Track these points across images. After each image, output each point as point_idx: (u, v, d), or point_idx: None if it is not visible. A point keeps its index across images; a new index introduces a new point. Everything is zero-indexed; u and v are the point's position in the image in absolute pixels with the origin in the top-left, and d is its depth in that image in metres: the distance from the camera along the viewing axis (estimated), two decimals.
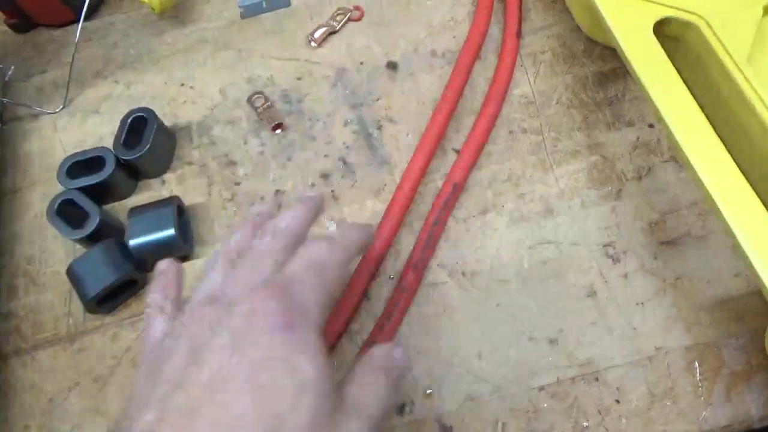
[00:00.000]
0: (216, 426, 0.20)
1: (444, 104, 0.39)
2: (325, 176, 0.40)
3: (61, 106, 0.45)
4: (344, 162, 0.41)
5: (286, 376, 0.21)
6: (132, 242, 0.36)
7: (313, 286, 0.24)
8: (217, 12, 0.48)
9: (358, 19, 0.45)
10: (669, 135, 0.32)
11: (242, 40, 0.46)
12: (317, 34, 0.44)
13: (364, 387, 0.24)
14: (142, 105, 0.43)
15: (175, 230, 0.36)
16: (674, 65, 0.34)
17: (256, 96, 0.43)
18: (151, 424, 0.20)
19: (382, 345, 0.27)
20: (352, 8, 0.45)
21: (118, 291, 0.37)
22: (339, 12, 0.45)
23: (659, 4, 0.36)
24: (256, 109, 0.43)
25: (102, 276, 0.36)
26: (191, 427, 0.20)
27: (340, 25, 0.45)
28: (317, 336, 0.23)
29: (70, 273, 0.37)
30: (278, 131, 0.42)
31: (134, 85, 0.45)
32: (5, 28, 0.48)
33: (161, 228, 0.36)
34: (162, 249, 0.36)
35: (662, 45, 0.35)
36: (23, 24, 0.48)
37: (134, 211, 0.38)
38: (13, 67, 0.47)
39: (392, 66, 0.43)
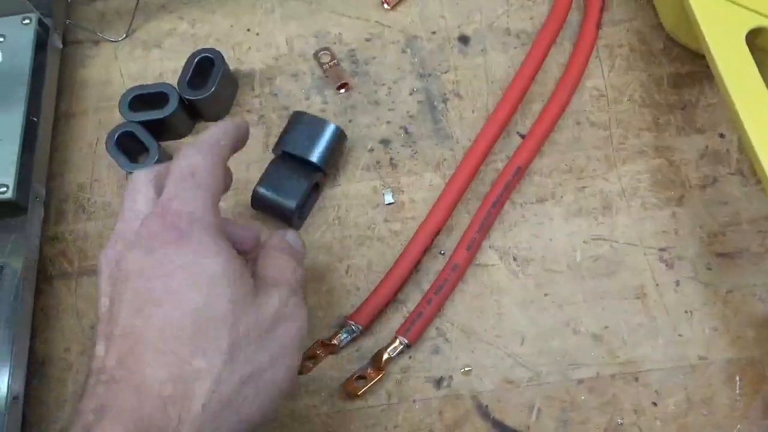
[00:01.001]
0: (153, 334, 0.23)
1: (516, 85, 0.39)
2: (385, 143, 0.40)
3: (124, 35, 0.45)
4: (406, 131, 0.40)
5: (194, 276, 0.23)
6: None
7: (191, 196, 0.25)
8: None
9: None
10: (747, 147, 0.32)
11: None
12: None
13: (273, 265, 0.28)
14: (207, 46, 0.42)
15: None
16: (765, 78, 0.33)
17: (323, 52, 0.43)
18: (102, 353, 0.23)
19: (277, 232, 0.30)
20: None
21: (307, 199, 0.37)
22: None
23: (755, 12, 0.35)
24: (322, 65, 0.42)
25: (294, 186, 0.36)
26: (131, 347, 0.23)
27: None
28: (214, 234, 0.25)
29: (259, 197, 0.36)
30: (342, 91, 0.41)
31: (199, 24, 0.45)
32: None
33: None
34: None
35: (754, 56, 0.34)
36: None
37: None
38: None
39: (464, 40, 0.43)
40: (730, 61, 0.34)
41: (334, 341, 0.34)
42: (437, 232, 0.36)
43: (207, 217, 0.25)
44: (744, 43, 0.34)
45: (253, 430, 0.24)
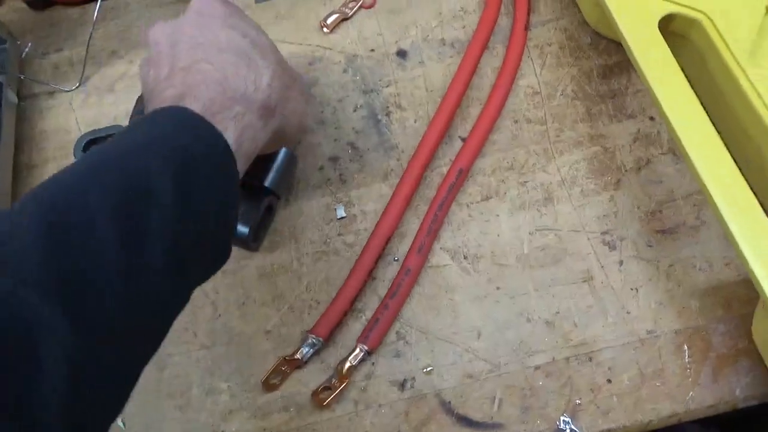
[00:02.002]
0: (217, 53, 0.30)
1: (452, 92, 0.41)
2: (333, 159, 0.42)
3: (77, 84, 0.46)
4: (353, 146, 0.42)
5: (243, 22, 0.32)
6: None
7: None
8: None
9: (370, 6, 0.46)
10: (669, 128, 0.34)
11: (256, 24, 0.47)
12: (330, 20, 0.45)
13: None
14: None
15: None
16: (678, 61, 0.35)
17: None
18: (168, 71, 0.29)
19: None
20: None
21: (261, 222, 0.38)
22: None
23: (665, 0, 0.37)
24: None
25: (248, 212, 0.36)
26: (202, 55, 0.29)
27: (352, 12, 0.46)
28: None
29: None
30: None
31: None
32: (22, 5, 0.49)
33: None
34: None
35: (667, 41, 0.36)
36: (40, 1, 0.49)
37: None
38: (30, 44, 0.48)
39: (402, 54, 0.44)
40: (646, 48, 0.36)
41: (297, 356, 0.35)
42: (388, 240, 0.38)
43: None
44: (657, 30, 0.36)
45: (285, 136, 0.33)
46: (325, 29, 0.45)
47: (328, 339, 0.36)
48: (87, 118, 0.45)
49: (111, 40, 0.48)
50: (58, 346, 0.19)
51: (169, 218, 0.24)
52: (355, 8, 0.46)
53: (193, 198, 0.25)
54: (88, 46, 0.46)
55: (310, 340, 0.36)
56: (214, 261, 0.28)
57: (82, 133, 0.41)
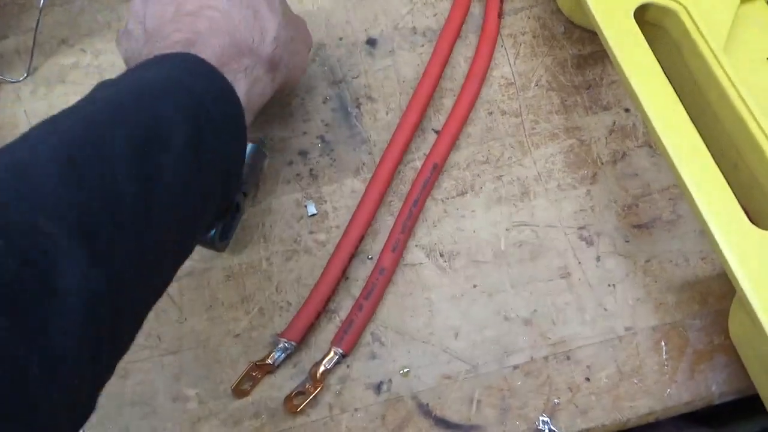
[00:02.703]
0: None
1: (424, 84, 0.39)
2: (303, 154, 0.40)
3: (25, 75, 0.43)
4: (323, 140, 0.40)
5: None
6: None
7: None
8: None
9: None
10: (645, 120, 0.33)
11: None
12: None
13: None
14: (111, 76, 0.41)
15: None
16: (653, 51, 0.34)
17: None
18: (175, 10, 0.29)
19: None
20: None
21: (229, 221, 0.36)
22: None
23: None
24: None
25: None
26: (204, 12, 0.28)
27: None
28: None
29: None
30: None
31: (103, 54, 0.44)
32: None
33: None
34: None
35: (642, 31, 0.35)
36: None
37: None
38: None
39: (372, 43, 0.43)
40: (621, 38, 0.35)
41: (269, 361, 0.34)
42: (361, 238, 0.36)
43: None
44: (632, 20, 0.35)
45: (286, 86, 0.34)
46: None
47: (301, 342, 0.35)
48: (37, 111, 0.42)
49: (60, 28, 0.45)
50: (76, 277, 0.20)
51: (180, 166, 0.24)
52: None
53: (204, 148, 0.25)
54: (35, 33, 0.43)
55: (281, 344, 0.34)
56: (217, 214, 0.28)
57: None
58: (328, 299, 0.35)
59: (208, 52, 0.27)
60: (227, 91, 0.27)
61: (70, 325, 0.20)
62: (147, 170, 0.23)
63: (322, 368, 0.34)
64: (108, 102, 0.24)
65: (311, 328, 0.35)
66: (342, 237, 0.36)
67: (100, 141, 0.22)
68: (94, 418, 0.34)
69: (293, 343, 0.34)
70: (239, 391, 0.34)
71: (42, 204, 0.20)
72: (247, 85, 0.28)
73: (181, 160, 0.24)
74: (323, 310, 0.35)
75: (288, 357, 0.35)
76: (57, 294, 0.19)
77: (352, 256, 0.36)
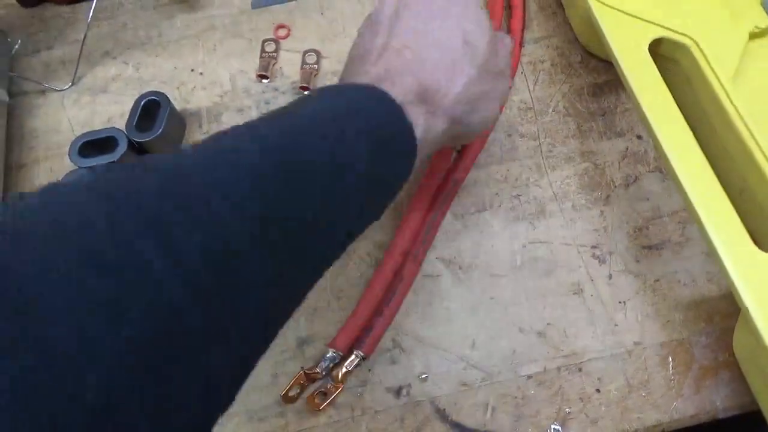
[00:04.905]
0: (429, 43, 0.31)
1: None
2: None
3: (70, 83, 0.46)
4: None
5: (468, 14, 0.32)
6: None
7: None
8: (228, 0, 0.48)
9: (286, 37, 0.46)
10: (657, 147, 0.35)
11: (251, 29, 0.47)
12: (263, 71, 0.45)
13: (501, 45, 0.35)
14: (152, 88, 0.43)
15: None
16: (666, 82, 0.37)
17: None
18: (381, 44, 0.31)
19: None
20: None
21: None
22: None
23: (655, 24, 0.38)
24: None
25: None
26: (410, 48, 0.30)
27: (273, 51, 0.46)
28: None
29: None
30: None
31: (143, 67, 0.46)
32: (12, 1, 0.48)
33: None
34: None
35: (657, 63, 0.37)
36: None
37: None
38: (20, 41, 0.47)
39: None
40: (636, 69, 0.37)
41: (317, 369, 0.36)
42: (404, 257, 0.38)
43: None
44: (647, 52, 0.38)
45: (467, 135, 0.34)
46: (264, 80, 0.45)
47: (348, 353, 0.36)
48: (79, 118, 0.45)
49: (103, 40, 0.47)
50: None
51: (360, 186, 0.26)
52: (275, 48, 0.46)
53: (380, 172, 0.27)
54: (82, 45, 0.45)
55: (330, 354, 0.36)
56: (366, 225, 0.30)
57: (78, 135, 0.41)
58: (373, 314, 0.37)
59: (396, 90, 0.28)
60: (408, 127, 0.28)
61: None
62: (337, 188, 0.25)
63: (343, 369, 0.36)
64: (311, 120, 0.26)
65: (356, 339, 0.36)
66: (385, 256, 0.38)
67: (300, 156, 0.24)
68: None
69: (340, 353, 0.36)
70: (288, 398, 0.36)
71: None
72: (424, 128, 0.29)
73: (362, 182, 0.26)
74: (367, 325, 0.37)
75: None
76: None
77: (394, 275, 0.38)
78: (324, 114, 0.26)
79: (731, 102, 0.37)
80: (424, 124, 0.29)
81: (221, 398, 0.21)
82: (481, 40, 0.32)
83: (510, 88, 0.41)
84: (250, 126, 0.24)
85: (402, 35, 0.31)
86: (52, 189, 0.19)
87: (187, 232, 0.19)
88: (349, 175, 0.25)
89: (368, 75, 0.29)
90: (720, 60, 0.37)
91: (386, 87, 0.28)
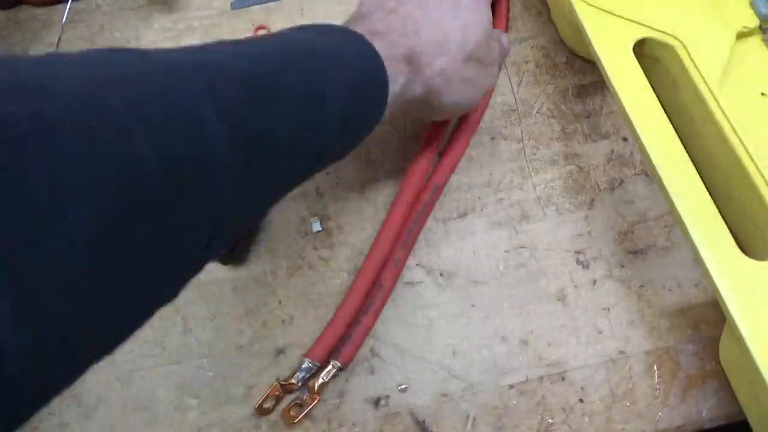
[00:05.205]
0: (427, 20, 0.32)
1: None
2: None
3: None
4: None
5: (473, 3, 0.34)
6: None
7: None
8: (207, 1, 0.48)
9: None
10: (642, 151, 0.34)
11: (232, 31, 0.46)
12: None
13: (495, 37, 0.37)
14: None
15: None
16: (651, 83, 0.36)
17: None
18: (390, 8, 0.33)
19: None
20: None
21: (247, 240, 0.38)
22: None
23: (640, 24, 0.38)
24: None
25: None
26: (407, 20, 0.32)
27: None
28: None
29: None
30: None
31: None
32: None
33: None
34: None
35: (641, 64, 0.36)
36: (6, 1, 0.47)
37: None
38: None
39: None
40: (620, 70, 0.36)
41: (292, 380, 0.35)
42: (382, 265, 0.37)
43: None
44: (631, 53, 0.37)
45: (444, 110, 0.35)
46: None
47: (324, 364, 0.35)
48: None
49: (79, 43, 0.46)
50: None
51: (332, 117, 0.27)
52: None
53: (352, 112, 0.29)
54: (57, 48, 0.44)
55: (306, 365, 0.35)
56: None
57: None
58: (351, 322, 0.36)
59: (383, 48, 0.30)
60: (383, 80, 0.30)
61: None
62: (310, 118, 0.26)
63: (320, 380, 0.35)
64: (291, 50, 0.27)
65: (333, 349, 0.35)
66: (364, 262, 0.37)
67: (278, 76, 0.25)
68: (96, 423, 0.35)
69: (317, 363, 0.35)
70: (262, 410, 0.35)
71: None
72: (399, 86, 0.31)
73: (335, 115, 0.27)
74: (346, 334, 0.36)
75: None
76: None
77: (374, 282, 0.37)
78: (312, 46, 0.28)
79: (718, 104, 0.36)
80: (403, 81, 0.31)
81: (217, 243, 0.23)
82: (478, 31, 0.34)
83: (491, 88, 0.40)
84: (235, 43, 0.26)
85: (410, 5, 0.33)
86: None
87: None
88: (323, 102, 0.26)
89: (364, 27, 0.31)
90: (707, 61, 0.37)
91: (377, 40, 0.30)
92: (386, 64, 0.30)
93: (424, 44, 0.32)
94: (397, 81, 0.31)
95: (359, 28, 0.31)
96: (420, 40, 0.32)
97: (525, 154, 0.41)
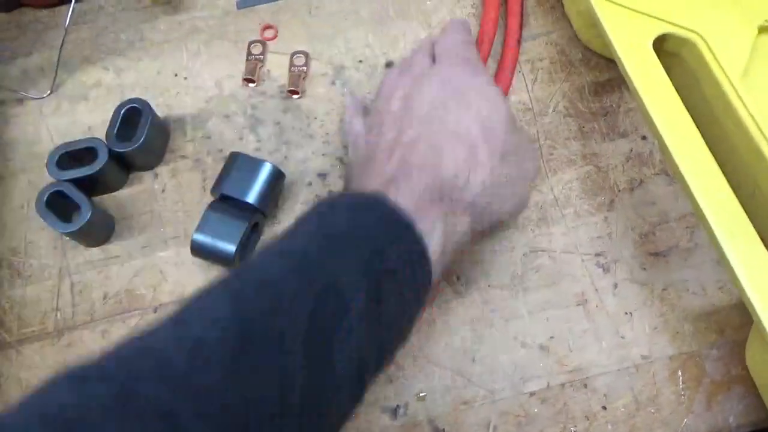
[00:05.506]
0: (445, 133, 0.29)
1: None
2: (322, 176, 0.40)
3: (49, 92, 0.44)
4: (342, 162, 0.40)
5: (483, 94, 0.30)
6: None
7: (468, 51, 0.33)
8: (212, 1, 0.46)
9: (273, 39, 0.44)
10: (663, 149, 0.33)
11: (237, 31, 0.45)
12: (250, 75, 0.43)
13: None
14: (134, 94, 0.42)
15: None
16: (672, 80, 0.35)
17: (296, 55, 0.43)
18: (392, 138, 0.29)
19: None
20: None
21: (247, 241, 0.37)
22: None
23: (659, 19, 0.36)
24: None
25: (233, 230, 0.35)
26: (422, 144, 0.28)
27: (260, 54, 0.43)
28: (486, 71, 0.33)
29: (197, 246, 0.36)
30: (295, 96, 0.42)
31: (125, 72, 0.44)
32: None
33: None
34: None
35: (661, 60, 0.35)
36: (8, 3, 0.46)
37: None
38: None
39: (391, 65, 0.43)
40: (640, 67, 0.35)
41: None
42: None
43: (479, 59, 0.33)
44: (651, 49, 0.36)
45: (504, 219, 0.33)
46: (251, 85, 0.43)
47: None
48: (59, 127, 0.43)
49: (83, 46, 0.45)
50: None
51: (356, 336, 0.23)
52: (262, 51, 0.44)
53: (384, 313, 0.24)
54: (60, 50, 0.43)
55: None
56: (386, 365, 0.27)
57: (57, 145, 0.39)
58: None
59: (407, 194, 0.26)
60: (418, 247, 0.25)
61: None
62: (320, 353, 0.22)
63: None
64: (291, 262, 0.24)
65: None
66: None
67: (273, 323, 0.21)
68: None
69: None
70: None
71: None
72: (443, 234, 0.27)
73: (359, 330, 0.23)
74: None
75: None
76: None
77: None
78: (307, 252, 0.24)
79: (740, 100, 0.35)
80: (443, 227, 0.26)
81: None
82: (501, 121, 0.30)
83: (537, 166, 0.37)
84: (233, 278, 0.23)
85: (414, 126, 0.29)
86: None
87: None
88: (343, 326, 0.22)
89: (379, 177, 0.27)
90: (728, 56, 0.36)
91: (396, 188, 0.26)
92: (416, 216, 0.25)
93: (450, 168, 0.27)
94: (436, 228, 0.26)
95: (374, 181, 0.26)
96: (443, 165, 0.27)
97: (542, 153, 0.40)
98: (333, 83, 0.43)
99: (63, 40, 0.43)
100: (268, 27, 0.45)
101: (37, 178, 0.41)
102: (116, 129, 0.39)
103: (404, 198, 0.26)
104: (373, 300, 0.23)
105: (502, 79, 0.41)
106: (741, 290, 0.30)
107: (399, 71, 0.33)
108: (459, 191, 0.28)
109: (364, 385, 0.25)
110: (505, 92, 0.41)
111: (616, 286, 0.36)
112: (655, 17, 0.37)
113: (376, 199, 0.26)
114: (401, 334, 0.27)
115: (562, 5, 0.44)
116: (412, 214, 0.25)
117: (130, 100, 0.39)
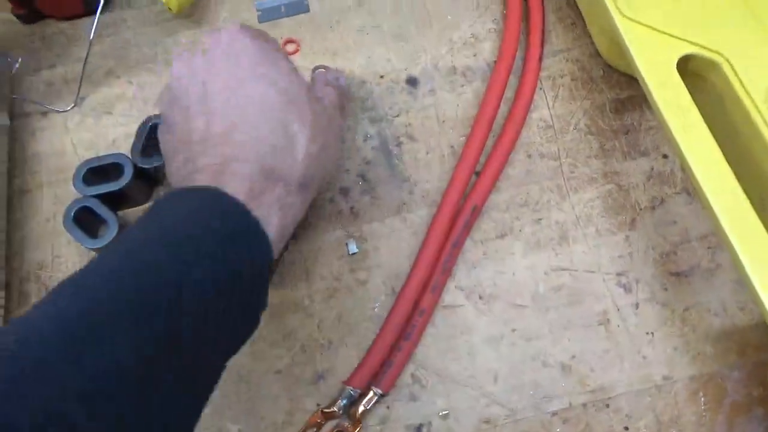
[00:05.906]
0: (253, 108, 0.28)
1: (478, 131, 0.40)
2: (344, 191, 0.40)
3: (73, 104, 0.44)
4: (364, 178, 0.41)
5: (276, 66, 0.30)
6: None
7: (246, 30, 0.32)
8: (233, 14, 0.47)
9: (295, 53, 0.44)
10: (687, 171, 0.33)
11: None
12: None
13: (323, 90, 0.35)
14: (157, 109, 0.42)
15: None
16: (695, 100, 0.35)
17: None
18: (202, 129, 0.28)
19: (328, 71, 0.38)
20: None
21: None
22: None
23: (684, 40, 0.37)
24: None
25: None
26: (233, 121, 0.28)
27: None
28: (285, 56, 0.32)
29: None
30: None
31: (149, 86, 0.45)
32: (11, 17, 0.47)
33: None
34: None
35: (685, 81, 0.35)
36: (31, 15, 0.47)
37: None
38: (20, 60, 0.45)
39: (412, 81, 0.43)
40: (664, 88, 0.35)
41: (334, 408, 0.34)
42: (422, 290, 0.36)
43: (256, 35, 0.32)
44: (675, 70, 0.36)
45: (321, 187, 0.34)
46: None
47: (366, 391, 0.35)
48: (84, 141, 0.43)
49: (107, 58, 0.46)
50: None
51: (197, 326, 0.23)
52: None
53: (227, 299, 0.25)
54: (85, 63, 0.44)
55: (347, 392, 0.35)
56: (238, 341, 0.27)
57: (82, 161, 0.39)
58: (392, 348, 0.36)
59: (237, 184, 0.26)
60: (258, 237, 0.26)
61: None
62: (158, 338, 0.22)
63: (361, 408, 0.34)
64: (131, 260, 0.24)
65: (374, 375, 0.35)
66: (404, 287, 0.36)
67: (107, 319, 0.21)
68: None
69: (358, 390, 0.35)
70: None
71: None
72: (280, 217, 0.27)
73: (198, 321, 0.23)
74: (386, 360, 0.35)
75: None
76: None
77: (414, 307, 0.36)
78: (154, 248, 0.24)
79: (765, 122, 0.35)
80: (279, 210, 0.27)
81: None
82: (301, 91, 0.30)
83: (343, 123, 0.38)
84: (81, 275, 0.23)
85: (221, 113, 0.28)
86: None
87: None
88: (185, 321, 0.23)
89: (204, 171, 0.27)
90: (753, 78, 0.36)
91: (226, 182, 0.26)
92: (253, 206, 0.25)
93: (273, 152, 0.28)
94: (272, 212, 0.26)
95: (201, 177, 0.26)
96: (265, 150, 0.27)
97: (562, 172, 0.40)
98: (355, 99, 0.43)
99: (87, 53, 0.44)
100: (290, 41, 0.45)
101: (62, 191, 0.42)
102: (142, 144, 0.39)
103: (236, 191, 0.26)
104: (215, 292, 0.24)
105: (524, 95, 0.41)
106: (763, 311, 0.30)
107: (186, 55, 0.32)
108: (287, 171, 0.28)
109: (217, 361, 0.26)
110: (527, 109, 0.41)
111: (637, 305, 0.36)
112: (680, 38, 0.37)
113: (210, 193, 0.26)
114: (248, 316, 0.27)
115: (584, 22, 0.44)
116: (247, 203, 0.26)
117: (155, 116, 0.40)
